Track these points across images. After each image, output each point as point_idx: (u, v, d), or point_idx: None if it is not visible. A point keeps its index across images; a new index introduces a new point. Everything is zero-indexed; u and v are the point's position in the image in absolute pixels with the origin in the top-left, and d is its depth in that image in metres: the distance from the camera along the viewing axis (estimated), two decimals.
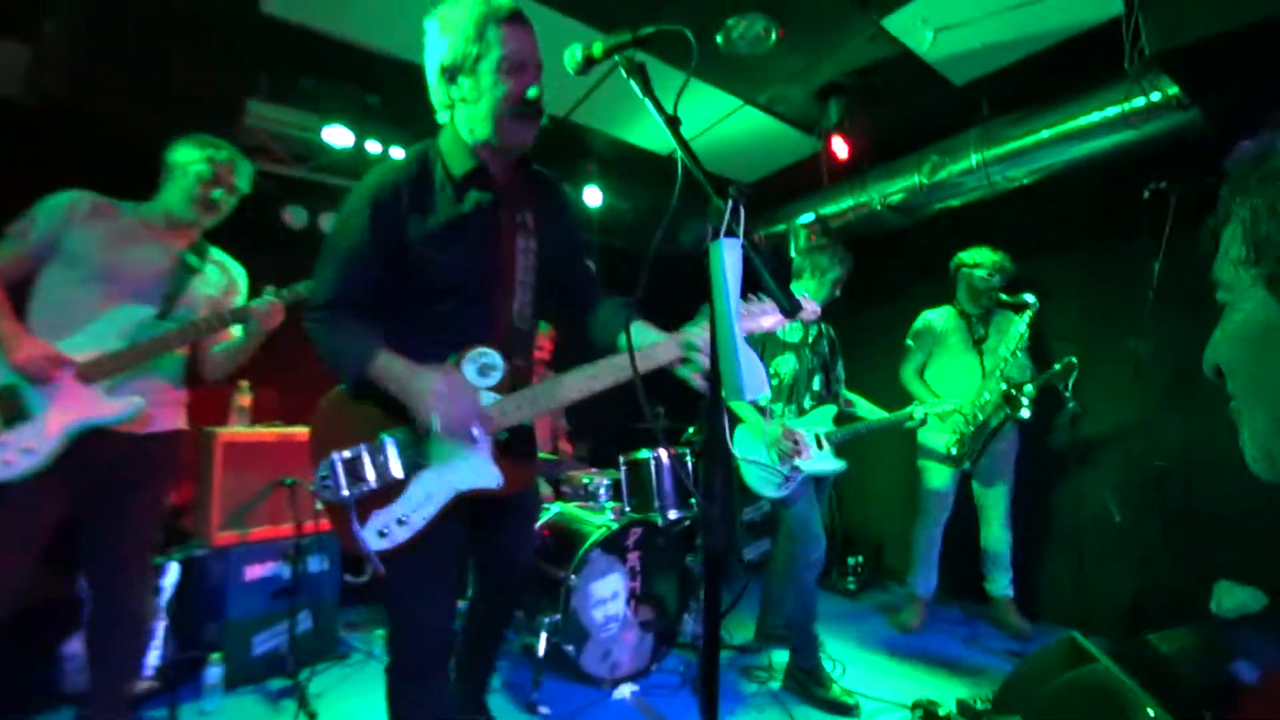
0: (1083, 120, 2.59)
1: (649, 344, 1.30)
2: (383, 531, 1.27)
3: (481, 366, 1.33)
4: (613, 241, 4.08)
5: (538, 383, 1.38)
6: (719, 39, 2.49)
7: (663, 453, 2.73)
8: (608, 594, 2.39)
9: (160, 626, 2.16)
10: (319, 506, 2.53)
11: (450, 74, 1.31)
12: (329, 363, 1.32)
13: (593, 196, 3.59)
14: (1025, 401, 2.73)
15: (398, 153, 3.08)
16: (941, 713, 2.20)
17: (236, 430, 2.59)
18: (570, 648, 2.29)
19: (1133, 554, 2.86)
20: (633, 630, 2.46)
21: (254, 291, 1.91)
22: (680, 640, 2.66)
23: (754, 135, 3.39)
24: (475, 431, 1.29)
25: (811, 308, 1.43)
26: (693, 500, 2.74)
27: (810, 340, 2.57)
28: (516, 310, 1.42)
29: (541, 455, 3.23)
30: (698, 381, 1.25)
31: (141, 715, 2.06)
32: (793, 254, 2.70)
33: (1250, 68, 2.11)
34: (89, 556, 1.74)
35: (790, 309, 0.74)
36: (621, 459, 2.83)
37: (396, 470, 1.29)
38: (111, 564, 1.73)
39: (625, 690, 2.38)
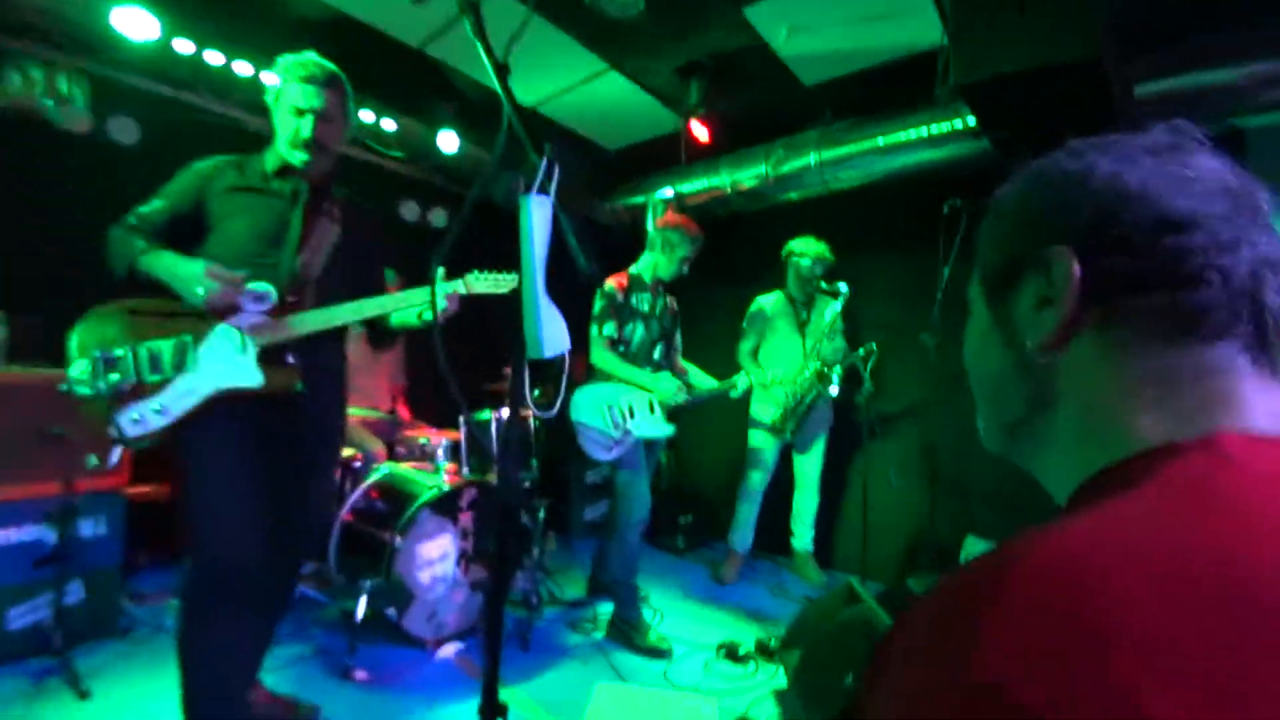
0: (902, 135, 2.93)
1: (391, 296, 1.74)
2: (137, 417, 1.47)
3: (255, 294, 1.58)
4: (467, 191, 3.90)
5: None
6: None
7: (504, 412, 2.71)
8: (436, 555, 2.35)
9: None
10: (91, 461, 2.24)
11: (273, 95, 1.69)
12: (111, 263, 1.56)
13: (448, 141, 3.38)
14: (834, 380, 3.09)
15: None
16: (741, 652, 2.48)
17: None
18: (392, 611, 2.23)
19: (909, 514, 3.39)
20: (462, 590, 2.45)
21: None
22: (512, 598, 2.70)
23: (620, 103, 3.40)
24: (243, 335, 1.55)
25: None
26: (533, 461, 2.77)
27: (658, 311, 2.68)
28: (301, 262, 1.68)
29: (376, 414, 3.06)
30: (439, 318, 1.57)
31: None
32: (648, 226, 2.77)
33: (1031, 106, 2.51)
34: None
35: (589, 271, 0.77)
36: (462, 419, 2.77)
37: (158, 370, 1.50)
38: None
39: (449, 649, 2.38)
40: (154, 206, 1.65)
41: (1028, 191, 0.50)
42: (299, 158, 1.67)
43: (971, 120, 2.76)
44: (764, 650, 2.49)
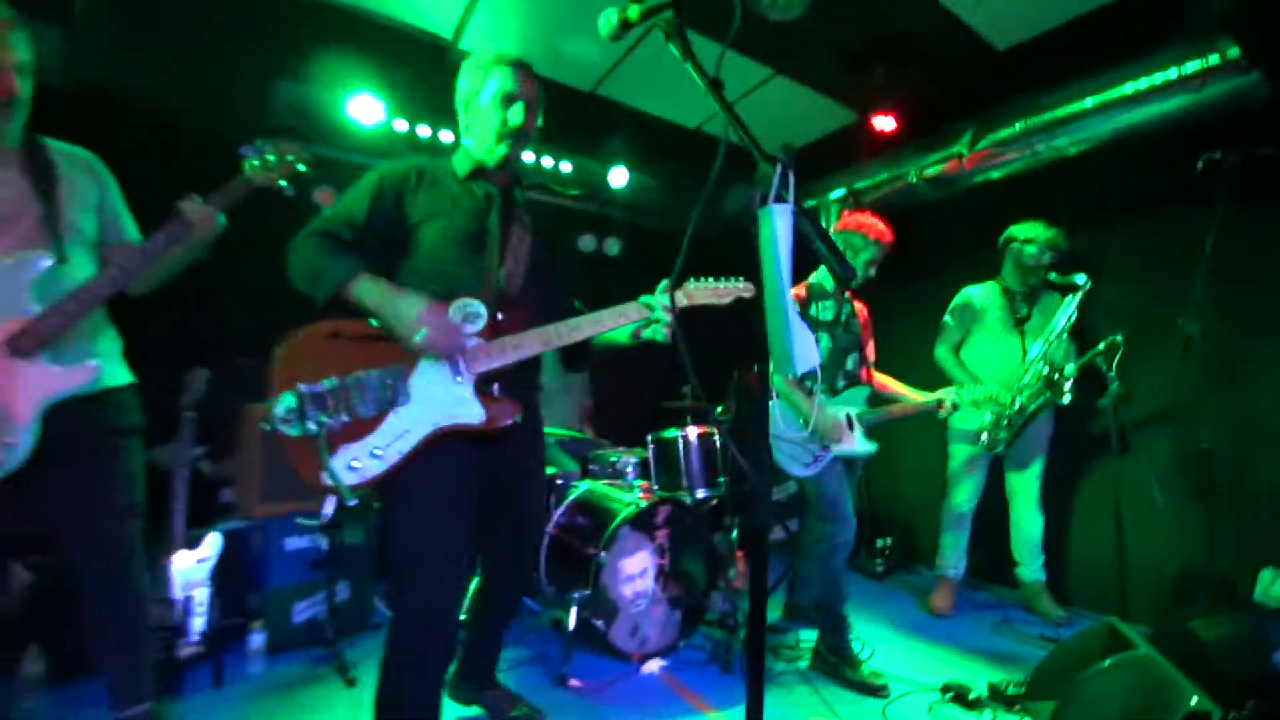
0: (1132, 86, 2.46)
1: (609, 310, 1.59)
2: (354, 464, 1.30)
3: (466, 314, 1.44)
4: (641, 220, 4.04)
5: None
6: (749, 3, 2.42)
7: (691, 431, 2.72)
8: (636, 570, 2.41)
9: (205, 594, 2.23)
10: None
11: (464, 99, 1.62)
12: (303, 281, 1.42)
13: (619, 177, 3.54)
14: (1067, 386, 2.63)
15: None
16: (971, 696, 2.18)
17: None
18: (600, 622, 2.31)
19: (1174, 538, 2.78)
20: (661, 606, 2.47)
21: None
22: (708, 617, 2.68)
23: (784, 107, 3.30)
24: (459, 364, 1.43)
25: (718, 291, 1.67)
26: (720, 479, 2.73)
27: (844, 319, 2.51)
28: (505, 274, 1.57)
29: (570, 433, 3.24)
30: (666, 333, 1.57)
31: (181, 680, 2.15)
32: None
33: None
34: (68, 536, 1.50)
35: (845, 276, 0.71)
36: (649, 437, 2.83)
37: (369, 405, 1.34)
38: (92, 538, 1.50)
39: (654, 665, 2.41)
40: (350, 207, 1.48)
41: None
42: (501, 151, 1.57)
43: (1231, 52, 2.24)
44: (1001, 697, 2.16)
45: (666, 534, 2.49)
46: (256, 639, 2.38)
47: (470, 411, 1.43)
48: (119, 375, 1.60)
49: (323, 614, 2.54)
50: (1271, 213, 2.54)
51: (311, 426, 1.28)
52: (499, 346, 1.47)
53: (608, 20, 1.11)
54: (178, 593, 2.16)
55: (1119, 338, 2.47)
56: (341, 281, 1.38)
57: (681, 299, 1.62)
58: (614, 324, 1.58)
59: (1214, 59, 2.27)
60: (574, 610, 2.30)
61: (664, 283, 1.58)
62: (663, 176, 3.73)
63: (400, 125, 3.15)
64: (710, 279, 1.67)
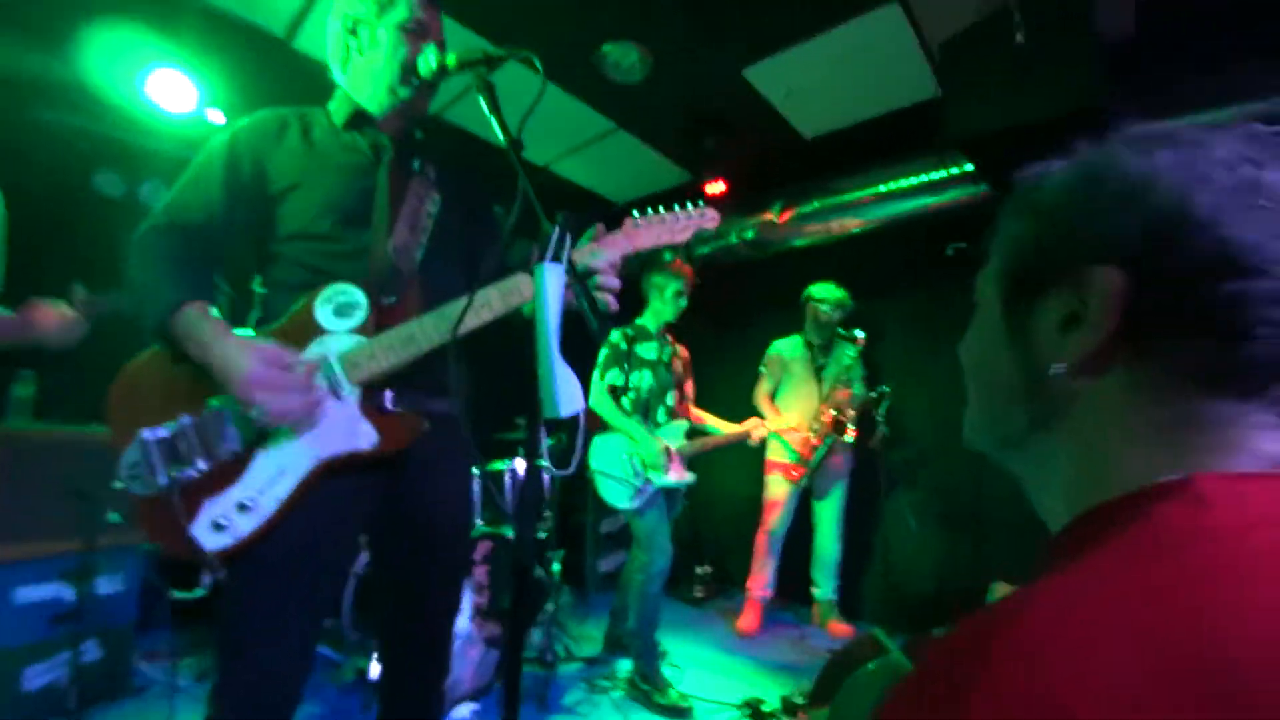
0: (901, 183, 3.00)
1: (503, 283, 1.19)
2: (219, 523, 1.01)
3: (339, 306, 1.14)
4: None
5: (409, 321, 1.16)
6: (594, 62, 2.59)
7: (519, 464, 2.73)
8: None
9: None
10: (113, 517, 2.23)
11: (353, 25, 1.25)
12: (130, 303, 1.10)
13: None
14: (850, 425, 3.08)
15: None
16: (766, 709, 2.39)
17: (15, 428, 2.21)
18: None
19: (931, 561, 3.31)
20: (476, 647, 2.40)
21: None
22: (527, 654, 2.65)
23: (626, 158, 3.53)
24: (336, 374, 1.10)
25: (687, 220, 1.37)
26: (547, 513, 2.76)
27: (666, 359, 2.71)
28: (395, 247, 1.21)
29: None
30: (608, 300, 1.18)
31: None
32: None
33: (1025, 156, 2.57)
34: None
35: (600, 331, 0.80)
36: (475, 469, 2.78)
37: (233, 442, 1.05)
38: None
39: (464, 710, 2.32)
40: (199, 184, 1.16)
41: (1075, 189, 0.43)
42: (402, 95, 1.23)
43: (967, 167, 2.83)
44: (790, 708, 2.40)
45: (485, 570, 2.45)
46: None
47: (359, 434, 1.11)
48: None
49: (64, 678, 2.12)
50: None
51: (162, 481, 1.00)
52: (384, 346, 1.12)
53: (425, 62, 1.16)
54: None
55: (886, 389, 2.94)
56: (159, 317, 1.04)
57: (601, 254, 1.21)
58: (507, 305, 1.18)
59: (954, 170, 2.86)
60: (375, 657, 2.16)
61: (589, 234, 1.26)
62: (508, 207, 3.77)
63: (216, 116, 2.87)
64: (660, 208, 1.35)
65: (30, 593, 2.13)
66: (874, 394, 2.96)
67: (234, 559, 1.02)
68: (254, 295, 1.87)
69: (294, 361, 1.07)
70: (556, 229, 0.79)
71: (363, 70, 1.25)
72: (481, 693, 2.40)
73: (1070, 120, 2.04)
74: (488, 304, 1.16)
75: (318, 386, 1.09)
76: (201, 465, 1.04)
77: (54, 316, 1.43)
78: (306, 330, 1.12)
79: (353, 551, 1.23)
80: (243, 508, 1.03)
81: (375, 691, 2.14)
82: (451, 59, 1.12)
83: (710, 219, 1.37)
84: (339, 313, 1.13)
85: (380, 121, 1.28)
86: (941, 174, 2.87)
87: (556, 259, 0.79)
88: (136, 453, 1.02)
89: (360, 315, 1.14)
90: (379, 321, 1.15)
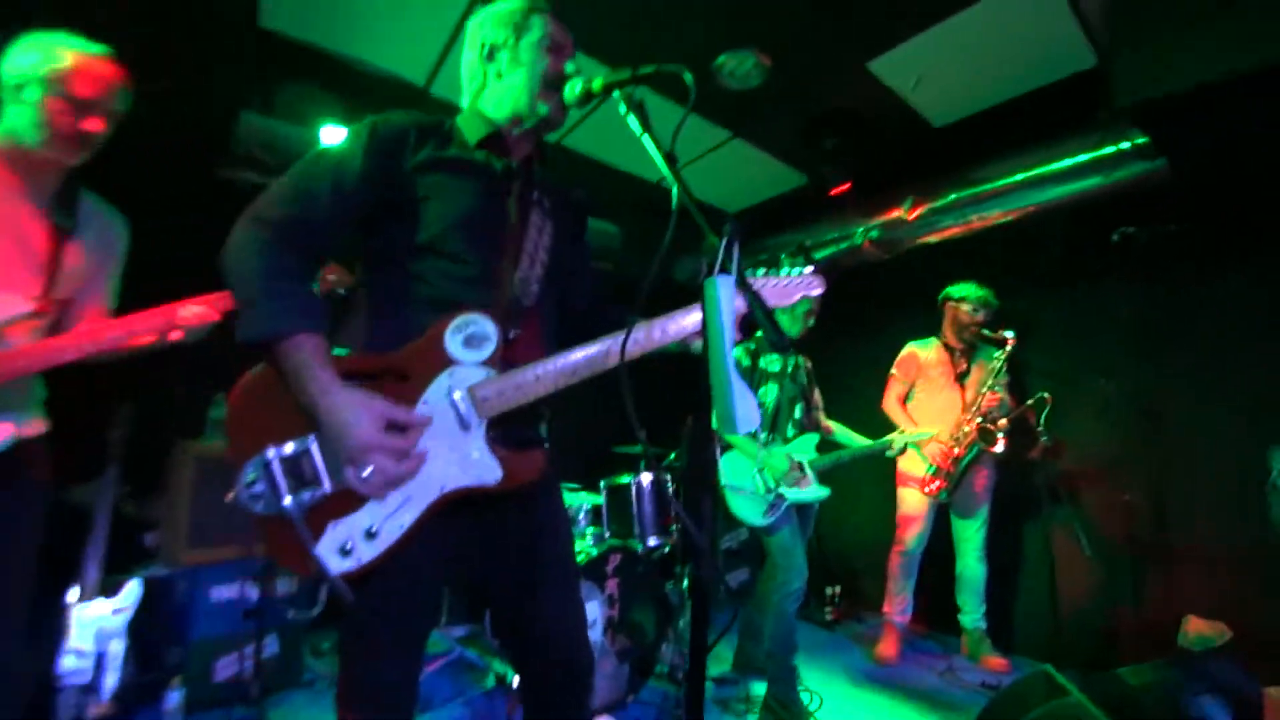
0: (1055, 165, 2.70)
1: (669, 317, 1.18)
2: (346, 548, 0.99)
3: (469, 336, 1.10)
4: (599, 265, 4.11)
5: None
6: (711, 71, 2.57)
7: (645, 477, 2.73)
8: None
9: (121, 647, 2.07)
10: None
11: (490, 51, 1.25)
12: (237, 293, 1.03)
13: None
14: (999, 435, 2.79)
15: None
16: None
17: (209, 444, 2.53)
18: None
19: (1105, 587, 2.91)
20: (609, 659, 2.41)
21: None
22: (658, 670, 2.63)
23: (740, 165, 3.47)
24: (467, 407, 1.08)
25: (796, 284, 1.31)
26: (673, 528, 2.73)
27: (790, 370, 2.61)
28: (520, 279, 1.19)
29: None
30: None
31: None
32: None
33: (1213, 122, 2.22)
34: None
35: (782, 344, 0.76)
36: (603, 483, 2.82)
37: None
38: None
39: None
40: (330, 171, 1.10)
41: None
42: (542, 111, 1.22)
43: (1140, 140, 2.49)
44: None
45: (616, 583, 2.46)
46: (173, 698, 2.20)
47: (484, 468, 1.09)
48: (30, 427, 1.44)
49: (248, 670, 2.38)
50: (1178, 282, 2.78)
51: (288, 504, 0.98)
52: (515, 383, 1.10)
53: (571, 90, 1.18)
54: (90, 646, 1.99)
55: (1046, 394, 2.64)
56: (267, 335, 1.00)
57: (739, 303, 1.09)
58: (673, 338, 1.18)
59: (1125, 145, 2.52)
60: None
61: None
62: (622, 224, 3.84)
63: None
64: (773, 270, 1.31)
65: (222, 591, 2.42)
66: (1032, 400, 2.66)
67: (357, 581, 1.02)
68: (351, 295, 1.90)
69: (408, 420, 1.05)
70: (724, 238, 0.76)
71: (502, 91, 1.24)
72: (615, 706, 2.41)
73: (1271, 76, 1.73)
74: (650, 337, 1.16)
75: (439, 421, 1.08)
76: (327, 488, 1.01)
77: (193, 312, 1.45)
78: (435, 359, 1.09)
79: (451, 571, 1.21)
80: (370, 535, 1.02)
81: (516, 696, 2.21)
82: (597, 82, 1.11)
83: (816, 286, 1.33)
84: (469, 343, 1.10)
85: (512, 142, 1.26)
86: (1107, 150, 2.55)
87: (725, 270, 0.75)
88: (257, 471, 0.99)
89: (490, 348, 1.11)
90: (505, 355, 1.13)
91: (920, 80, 2.66)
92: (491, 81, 1.26)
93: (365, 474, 1.00)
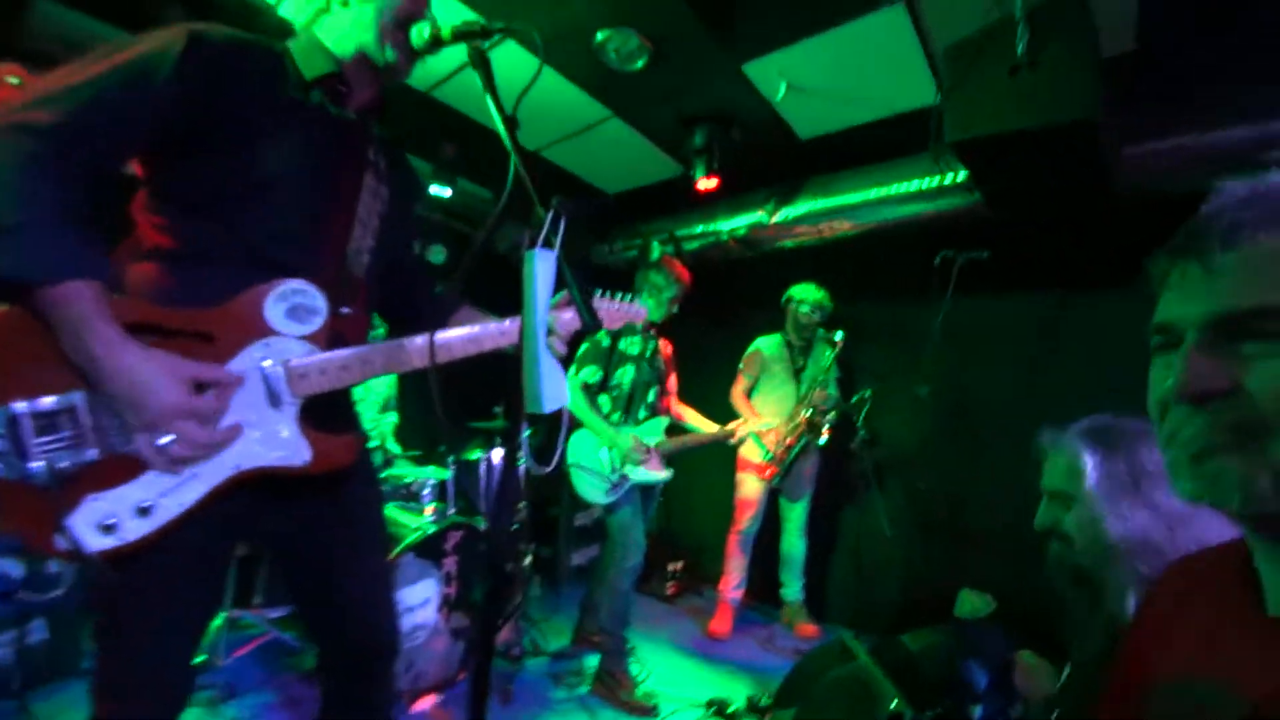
0: (896, 188, 2.99)
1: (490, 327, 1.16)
2: (108, 524, 0.86)
3: (295, 307, 0.99)
4: (469, 230, 3.93)
5: (366, 343, 1.08)
6: (593, 48, 2.52)
7: (495, 454, 2.67)
8: (417, 601, 2.27)
9: None
10: None
11: None
12: None
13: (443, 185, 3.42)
14: (825, 427, 3.08)
15: None
16: (731, 710, 2.39)
17: None
18: None
19: (902, 565, 3.33)
20: (442, 638, 2.35)
21: None
22: (495, 647, 2.60)
23: (622, 148, 3.46)
24: (280, 382, 0.98)
25: (626, 311, 1.44)
26: (521, 505, 2.71)
27: (649, 354, 2.67)
28: (352, 249, 1.10)
29: None
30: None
31: None
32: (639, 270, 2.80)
33: (1023, 164, 2.57)
34: None
35: (592, 325, 0.76)
36: (451, 458, 2.72)
37: (129, 435, 0.88)
38: None
39: (426, 702, 2.27)
40: (115, 105, 0.88)
41: None
42: (385, 56, 1.08)
43: (963, 175, 2.83)
44: (755, 709, 2.40)
45: (455, 561, 2.40)
46: None
47: (292, 448, 1.00)
48: None
49: (9, 659, 2.03)
50: (981, 300, 3.21)
51: (35, 467, 0.82)
52: (341, 364, 1.02)
53: (420, 33, 1.09)
54: None
55: (868, 393, 2.94)
56: (38, 277, 0.79)
57: (567, 316, 1.21)
58: (493, 345, 1.15)
59: (950, 177, 2.85)
60: None
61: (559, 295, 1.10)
62: (497, 191, 3.69)
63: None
64: (615, 294, 1.42)
65: None
66: (855, 399, 2.96)
67: (116, 561, 0.88)
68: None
69: (219, 378, 0.93)
70: (550, 215, 0.74)
71: (347, 22, 1.08)
72: (447, 684, 2.36)
73: (1067, 131, 2.04)
74: (448, 349, 1.11)
75: (245, 394, 0.97)
76: (90, 454, 0.86)
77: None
78: (250, 326, 0.98)
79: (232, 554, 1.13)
80: (142, 511, 0.88)
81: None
82: (446, 29, 1.04)
83: (638, 314, 1.45)
84: (293, 314, 1.00)
85: (353, 86, 1.11)
86: (935, 181, 2.86)
87: (548, 245, 0.74)
88: (1, 425, 0.82)
89: (317, 323, 1.02)
90: (333, 331, 1.04)
91: (789, 89, 2.80)
92: (336, 7, 1.10)
93: (165, 441, 0.87)
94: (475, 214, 3.82)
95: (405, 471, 2.75)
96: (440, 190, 3.34)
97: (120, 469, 0.88)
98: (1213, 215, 0.50)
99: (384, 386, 2.85)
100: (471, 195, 3.64)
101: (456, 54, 1.09)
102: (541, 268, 0.72)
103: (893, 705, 1.85)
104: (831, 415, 3.09)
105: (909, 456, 3.40)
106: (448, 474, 2.71)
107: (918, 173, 2.96)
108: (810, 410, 3.13)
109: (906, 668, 2.15)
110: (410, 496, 2.72)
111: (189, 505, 0.93)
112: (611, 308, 1.39)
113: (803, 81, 2.79)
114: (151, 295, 0.96)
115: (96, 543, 0.85)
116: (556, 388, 0.71)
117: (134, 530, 0.88)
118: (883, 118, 3.04)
